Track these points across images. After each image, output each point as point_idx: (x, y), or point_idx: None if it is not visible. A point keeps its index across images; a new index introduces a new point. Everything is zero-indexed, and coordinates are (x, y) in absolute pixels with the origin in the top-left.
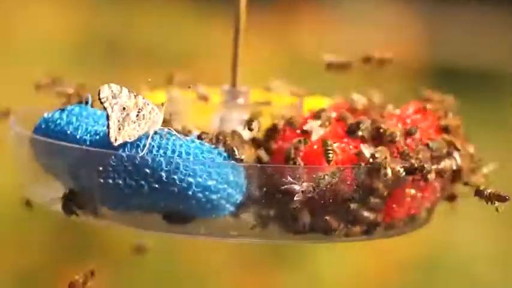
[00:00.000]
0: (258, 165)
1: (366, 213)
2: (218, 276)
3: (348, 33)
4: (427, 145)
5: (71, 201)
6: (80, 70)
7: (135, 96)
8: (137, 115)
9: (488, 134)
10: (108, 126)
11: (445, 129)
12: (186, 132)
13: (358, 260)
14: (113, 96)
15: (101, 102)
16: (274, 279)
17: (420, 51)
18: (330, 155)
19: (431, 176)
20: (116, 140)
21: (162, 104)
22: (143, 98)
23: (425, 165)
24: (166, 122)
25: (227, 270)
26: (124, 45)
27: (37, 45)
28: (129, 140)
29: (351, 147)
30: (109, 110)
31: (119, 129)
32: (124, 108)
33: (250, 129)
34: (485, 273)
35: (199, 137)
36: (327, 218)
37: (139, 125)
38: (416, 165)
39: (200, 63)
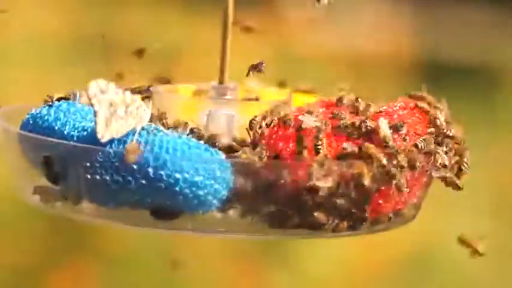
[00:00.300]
0: (245, 161)
1: (352, 209)
2: (208, 273)
3: (338, 31)
4: (415, 145)
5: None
6: (71, 68)
7: (122, 92)
8: (125, 111)
9: (478, 130)
10: (95, 123)
11: (433, 124)
12: (180, 126)
13: (346, 257)
14: (100, 92)
15: (89, 99)
16: (263, 276)
17: (409, 49)
18: (319, 148)
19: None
20: (103, 136)
21: (149, 100)
22: (131, 94)
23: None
24: (155, 118)
25: (217, 267)
26: (114, 42)
27: (27, 44)
28: (117, 136)
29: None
30: (96, 106)
31: (106, 125)
32: (111, 104)
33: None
34: (476, 269)
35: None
36: (316, 213)
37: (126, 121)
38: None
39: (190, 60)
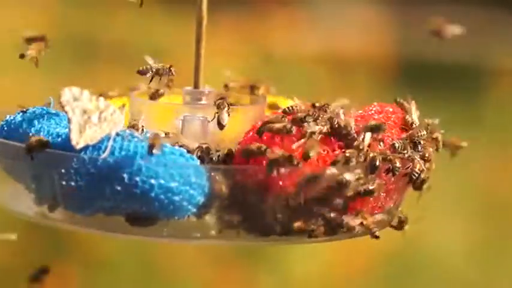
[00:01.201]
0: (222, 166)
1: (331, 214)
2: (191, 275)
3: (318, 31)
4: (393, 145)
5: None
6: (52, 71)
7: (96, 98)
8: (98, 117)
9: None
10: (69, 130)
11: (408, 128)
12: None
13: (329, 259)
14: (74, 99)
15: (62, 106)
16: (246, 279)
17: (393, 49)
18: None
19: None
20: (77, 143)
21: (124, 106)
22: (104, 100)
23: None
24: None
25: (200, 269)
26: (95, 45)
27: (6, 46)
28: (91, 143)
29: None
30: (70, 114)
31: (80, 132)
32: (85, 112)
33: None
34: (460, 269)
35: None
36: (294, 221)
37: (100, 127)
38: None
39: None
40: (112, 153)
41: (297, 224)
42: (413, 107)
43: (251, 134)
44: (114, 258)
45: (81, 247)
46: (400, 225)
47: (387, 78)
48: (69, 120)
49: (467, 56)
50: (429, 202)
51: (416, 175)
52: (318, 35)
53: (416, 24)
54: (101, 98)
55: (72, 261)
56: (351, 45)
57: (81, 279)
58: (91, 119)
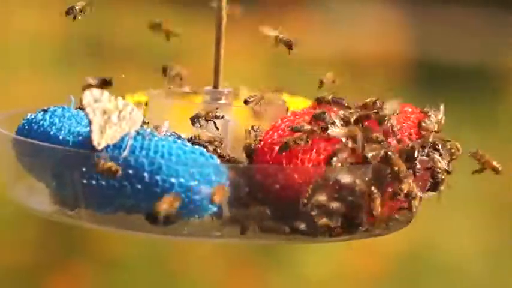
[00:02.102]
0: (241, 165)
1: (350, 213)
2: (204, 276)
3: (333, 32)
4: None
5: None
6: (66, 71)
7: (115, 98)
8: (118, 116)
9: (476, 131)
10: (90, 131)
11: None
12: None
13: (343, 260)
14: (94, 101)
15: (83, 109)
16: (260, 280)
17: (407, 50)
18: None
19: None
20: (99, 144)
21: (146, 104)
22: (123, 99)
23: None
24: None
25: (213, 270)
26: (109, 46)
27: (22, 47)
28: (111, 143)
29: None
30: (91, 115)
31: (101, 132)
32: (105, 112)
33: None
34: (473, 270)
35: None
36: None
37: (120, 126)
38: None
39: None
40: (133, 152)
41: (323, 221)
42: (439, 114)
43: (270, 133)
44: (128, 258)
45: (95, 246)
46: (409, 204)
47: (403, 79)
48: (89, 122)
49: (484, 57)
50: (440, 203)
51: (440, 173)
52: (334, 36)
53: (433, 24)
54: (120, 98)
55: (86, 260)
56: (367, 46)
57: (95, 278)
58: (111, 118)
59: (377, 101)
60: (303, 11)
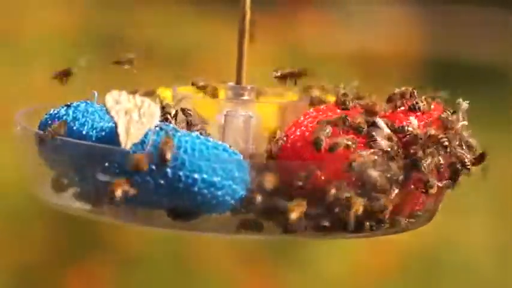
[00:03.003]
0: (264, 162)
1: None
2: (220, 274)
3: (351, 32)
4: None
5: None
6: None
7: (133, 96)
8: (138, 114)
9: (489, 130)
10: (116, 134)
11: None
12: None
13: (358, 258)
14: (116, 103)
15: (108, 113)
16: (276, 277)
17: (421, 49)
18: (321, 143)
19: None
20: (126, 144)
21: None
22: (139, 96)
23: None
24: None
25: (230, 267)
26: (125, 43)
27: (37, 44)
28: (137, 141)
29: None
30: (116, 118)
31: (127, 133)
32: (127, 112)
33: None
34: (486, 270)
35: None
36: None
37: (142, 123)
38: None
39: (201, 61)
40: (155, 147)
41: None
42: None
43: (293, 129)
44: (143, 255)
45: (112, 244)
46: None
47: (418, 77)
48: (115, 125)
49: (500, 55)
50: (454, 203)
51: (466, 166)
52: (349, 34)
53: (448, 23)
54: (136, 95)
55: (103, 258)
56: (382, 44)
57: (112, 276)
58: (132, 117)
59: (414, 91)
60: (318, 11)
